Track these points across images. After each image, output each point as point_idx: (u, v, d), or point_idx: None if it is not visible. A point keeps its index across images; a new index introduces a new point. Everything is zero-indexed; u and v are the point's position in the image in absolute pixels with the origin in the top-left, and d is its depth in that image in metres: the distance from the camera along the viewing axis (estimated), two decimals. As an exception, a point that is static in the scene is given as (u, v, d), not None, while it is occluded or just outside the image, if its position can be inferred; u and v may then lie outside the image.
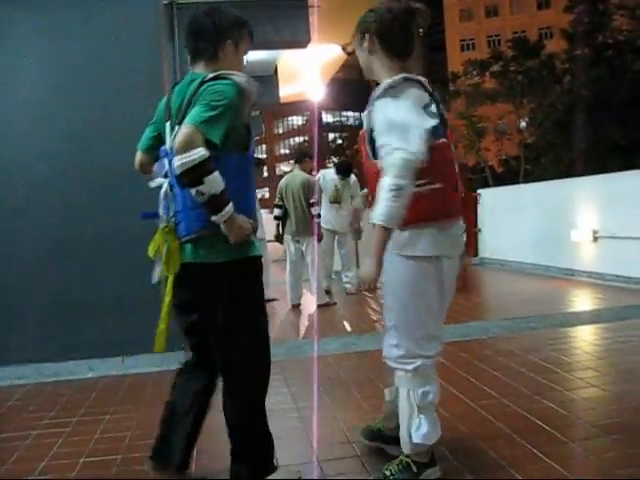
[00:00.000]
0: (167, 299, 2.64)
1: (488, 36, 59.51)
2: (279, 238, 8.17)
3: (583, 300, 7.21)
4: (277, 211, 8.09)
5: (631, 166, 11.20)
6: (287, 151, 77.69)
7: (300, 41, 10.26)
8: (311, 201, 7.65)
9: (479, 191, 12.13)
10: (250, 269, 2.68)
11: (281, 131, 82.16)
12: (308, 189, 7.70)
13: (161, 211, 2.71)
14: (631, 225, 7.79)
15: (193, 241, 2.60)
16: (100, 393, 4.52)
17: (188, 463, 2.84)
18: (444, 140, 2.66)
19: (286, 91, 20.28)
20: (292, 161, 8.22)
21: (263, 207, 11.55)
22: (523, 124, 38.87)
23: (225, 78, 2.55)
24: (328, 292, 8.02)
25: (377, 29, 2.70)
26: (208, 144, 2.38)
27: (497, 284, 9.31)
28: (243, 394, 2.71)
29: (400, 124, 2.45)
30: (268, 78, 12.90)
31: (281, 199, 7.98)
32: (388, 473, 2.77)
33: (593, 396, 3.74)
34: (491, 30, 59.96)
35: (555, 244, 9.35)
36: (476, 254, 11.77)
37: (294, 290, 8.03)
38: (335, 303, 7.95)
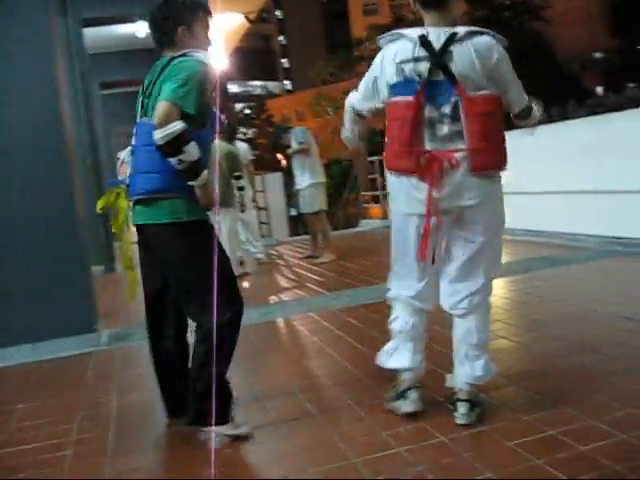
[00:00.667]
0: (126, 254, 3.15)
1: (390, 0, 59.78)
2: None
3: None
4: None
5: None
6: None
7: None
8: (236, 174, 7.52)
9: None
10: (196, 231, 2.87)
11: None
12: (232, 160, 7.57)
13: (120, 177, 3.04)
14: (536, 180, 8.04)
15: (142, 202, 2.88)
16: (10, 382, 4.38)
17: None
18: (402, 98, 2.74)
19: (189, 62, 19.90)
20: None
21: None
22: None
23: (191, 56, 2.82)
24: (242, 263, 7.99)
25: None
26: (184, 117, 2.66)
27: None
28: (211, 338, 2.81)
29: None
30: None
31: None
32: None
33: (502, 347, 3.87)
34: (394, -5, 60.32)
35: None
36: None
37: None
38: (249, 273, 7.94)
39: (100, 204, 3.08)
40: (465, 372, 2.87)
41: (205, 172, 2.77)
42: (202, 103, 2.78)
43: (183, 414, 3.01)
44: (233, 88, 70.59)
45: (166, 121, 2.62)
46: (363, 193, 13.76)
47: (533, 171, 8.05)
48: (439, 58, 2.67)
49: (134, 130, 2.95)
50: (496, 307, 4.80)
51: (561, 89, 28.02)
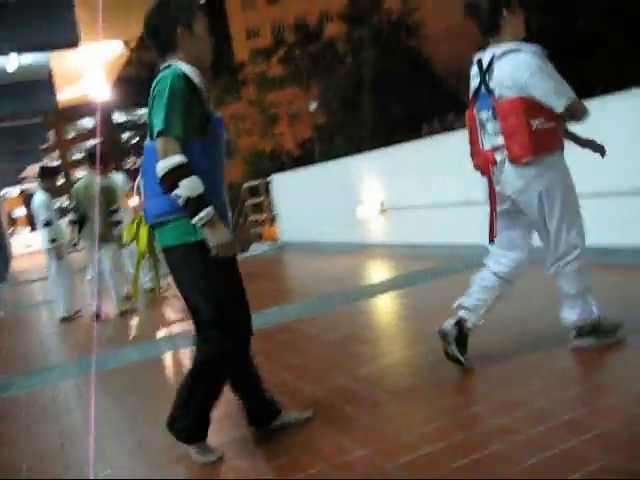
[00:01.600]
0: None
1: (272, 23, 60.32)
2: (75, 244, 7.82)
3: (376, 272, 7.54)
4: (73, 215, 7.67)
5: (412, 137, 11.85)
6: (82, 155, 74.38)
7: (68, 40, 9.75)
8: (113, 207, 7.31)
9: (270, 177, 12.34)
10: (200, 252, 2.74)
11: (73, 135, 78.44)
12: (108, 194, 7.33)
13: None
14: (411, 194, 8.23)
15: (154, 226, 2.90)
16: None
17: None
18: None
19: (67, 94, 19.35)
20: (88, 165, 7.84)
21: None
22: (314, 106, 39.98)
23: (169, 69, 2.77)
24: (128, 298, 7.76)
25: None
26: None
27: (297, 267, 9.50)
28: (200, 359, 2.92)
29: None
30: (42, 83, 12.23)
31: (78, 203, 7.56)
32: None
33: (390, 363, 3.90)
34: (274, 17, 60.82)
35: (348, 220, 9.67)
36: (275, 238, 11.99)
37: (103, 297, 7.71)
38: (135, 308, 7.74)
39: (126, 236, 3.38)
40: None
41: (206, 210, 2.64)
42: (192, 116, 2.72)
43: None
44: (119, 117, 69.26)
45: (164, 155, 2.63)
46: (251, 218, 13.74)
47: (409, 186, 8.25)
48: (482, 74, 3.39)
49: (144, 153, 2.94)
50: (381, 323, 4.87)
51: (441, 103, 29.01)
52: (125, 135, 61.90)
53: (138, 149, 56.15)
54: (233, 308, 2.90)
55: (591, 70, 24.20)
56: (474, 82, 3.47)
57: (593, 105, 3.50)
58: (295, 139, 41.86)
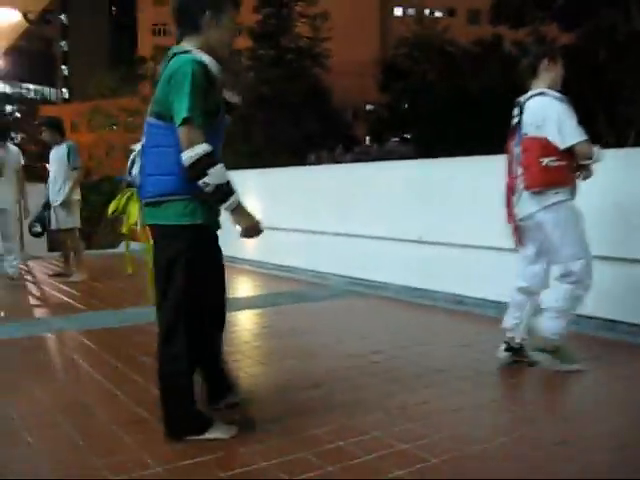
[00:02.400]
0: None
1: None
2: None
3: (245, 287, 7.59)
4: None
5: (298, 162, 12.05)
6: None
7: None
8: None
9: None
10: (194, 235, 2.85)
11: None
12: None
13: (134, 171, 2.98)
14: (287, 217, 8.38)
15: (150, 204, 2.89)
16: None
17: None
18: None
19: (-49, 54, 18.27)
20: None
21: None
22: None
23: (182, 54, 2.79)
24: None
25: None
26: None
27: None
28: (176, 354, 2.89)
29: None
30: None
31: None
32: None
33: (260, 373, 4.02)
34: (184, 19, 60.03)
35: (222, 231, 9.65)
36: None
37: None
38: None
39: (111, 207, 3.15)
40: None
41: (234, 197, 2.74)
42: (208, 105, 2.76)
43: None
44: (4, 88, 66.09)
45: (189, 144, 2.67)
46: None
47: (287, 209, 8.41)
48: (519, 113, 3.96)
49: (145, 128, 2.91)
50: (235, 340, 4.92)
51: (332, 135, 29.57)
52: (8, 108, 58.96)
53: (20, 124, 53.67)
54: (201, 291, 2.92)
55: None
56: (514, 120, 4.01)
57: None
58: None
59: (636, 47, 21.61)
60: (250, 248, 9.17)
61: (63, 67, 77.88)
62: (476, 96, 29.13)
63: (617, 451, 2.84)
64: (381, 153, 18.83)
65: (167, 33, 58.90)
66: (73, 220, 7.84)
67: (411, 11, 51.07)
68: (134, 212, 2.99)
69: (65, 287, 7.40)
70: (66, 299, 6.69)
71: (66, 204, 7.68)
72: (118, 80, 40.74)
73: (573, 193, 3.92)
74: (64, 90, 76.96)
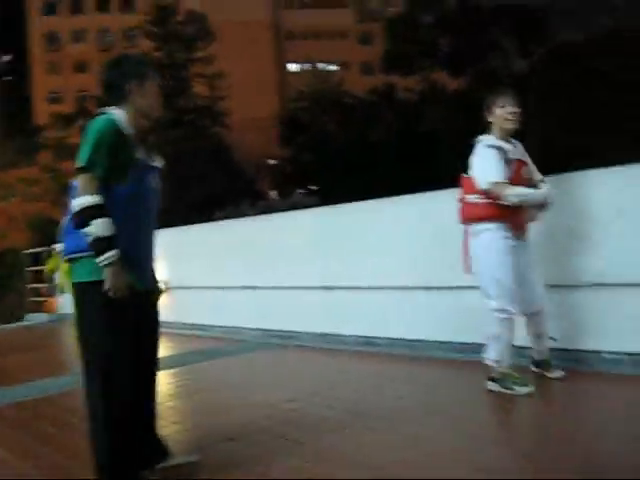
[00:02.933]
0: None
1: (77, 91, 59.00)
2: None
3: (156, 349, 7.49)
4: None
5: (205, 219, 12.02)
6: None
7: None
8: None
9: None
10: (99, 292, 2.81)
11: None
12: None
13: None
14: (196, 275, 8.37)
15: (68, 261, 2.99)
16: None
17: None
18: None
19: None
20: None
21: None
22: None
23: (103, 114, 2.91)
24: None
25: None
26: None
27: (71, 339, 9.16)
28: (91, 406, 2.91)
29: None
30: None
31: None
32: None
33: (173, 432, 3.89)
34: (80, 85, 59.57)
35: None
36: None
37: None
38: None
39: (49, 266, 3.12)
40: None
41: (111, 253, 2.75)
42: (116, 161, 2.82)
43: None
44: None
45: (81, 192, 2.75)
46: (32, 286, 13.09)
47: (194, 266, 8.40)
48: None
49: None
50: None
51: (237, 190, 29.68)
52: None
53: None
54: (124, 350, 2.91)
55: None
56: None
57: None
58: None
59: (517, 87, 22.80)
60: (160, 309, 9.04)
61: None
62: (376, 143, 29.92)
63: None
64: (286, 205, 19.04)
65: (63, 101, 58.27)
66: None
67: (306, 66, 52.30)
68: (64, 271, 3.05)
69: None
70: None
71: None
72: (15, 151, 39.80)
73: (509, 230, 4.25)
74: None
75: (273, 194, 34.48)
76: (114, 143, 2.84)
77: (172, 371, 5.90)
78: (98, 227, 2.73)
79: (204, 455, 3.49)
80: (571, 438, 3.33)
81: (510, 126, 4.35)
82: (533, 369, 4.54)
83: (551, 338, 4.54)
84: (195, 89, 39.47)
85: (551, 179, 4.54)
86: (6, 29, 65.39)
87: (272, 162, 40.32)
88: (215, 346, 7.07)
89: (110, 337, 2.87)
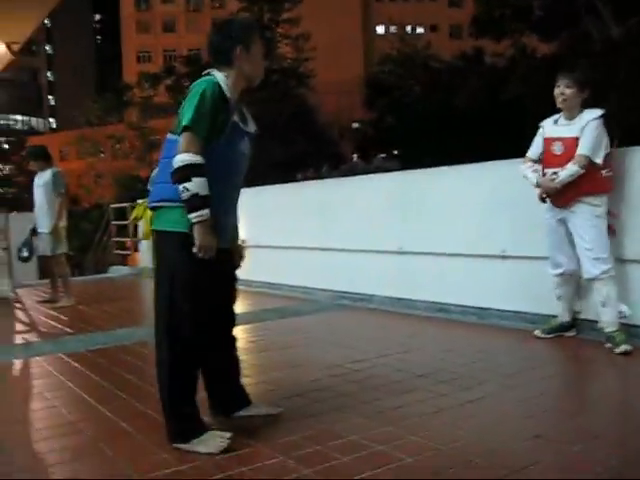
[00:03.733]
0: None
1: (165, 50, 60.01)
2: None
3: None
4: None
5: (289, 180, 12.16)
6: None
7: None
8: None
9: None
10: (185, 242, 2.88)
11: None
12: None
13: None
14: (273, 235, 8.47)
15: (153, 209, 3.07)
16: None
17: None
18: None
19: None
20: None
21: None
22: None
23: (207, 76, 3.02)
24: None
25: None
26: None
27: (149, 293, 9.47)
28: (161, 359, 3.03)
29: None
30: None
31: None
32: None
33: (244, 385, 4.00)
34: (167, 45, 60.55)
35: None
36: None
37: None
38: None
39: (133, 215, 3.41)
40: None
41: (204, 212, 2.83)
42: (214, 122, 2.91)
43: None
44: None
45: (185, 150, 2.83)
46: (116, 239, 13.54)
47: (271, 226, 8.49)
48: None
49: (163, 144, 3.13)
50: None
51: (319, 152, 29.73)
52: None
53: (9, 155, 53.71)
54: (203, 301, 2.99)
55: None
56: None
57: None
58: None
59: (611, 53, 21.91)
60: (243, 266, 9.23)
61: (50, 97, 78.13)
62: (460, 109, 29.36)
63: (590, 442, 2.91)
64: (367, 169, 18.97)
65: (151, 60, 59.39)
66: (60, 246, 7.89)
67: (393, 28, 51.51)
68: (147, 218, 3.19)
69: (53, 312, 7.46)
70: (54, 324, 6.74)
71: (52, 231, 7.73)
72: (104, 108, 40.93)
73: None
74: (51, 120, 77.17)
75: (355, 158, 34.38)
76: (215, 106, 2.92)
77: (245, 327, 6.03)
78: (198, 184, 2.81)
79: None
80: None
81: (559, 106, 4.62)
82: None
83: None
84: (281, 50, 39.47)
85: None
86: (99, -12, 66.79)
87: (355, 125, 40.14)
88: (289, 305, 7.18)
89: (183, 292, 2.95)
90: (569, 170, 4.48)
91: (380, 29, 58.03)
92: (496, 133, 25.38)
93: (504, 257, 5.61)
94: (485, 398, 3.60)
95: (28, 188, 8.72)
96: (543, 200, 4.73)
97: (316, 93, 38.38)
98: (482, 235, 5.82)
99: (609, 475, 2.59)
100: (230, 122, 3.00)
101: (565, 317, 4.90)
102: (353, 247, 7.24)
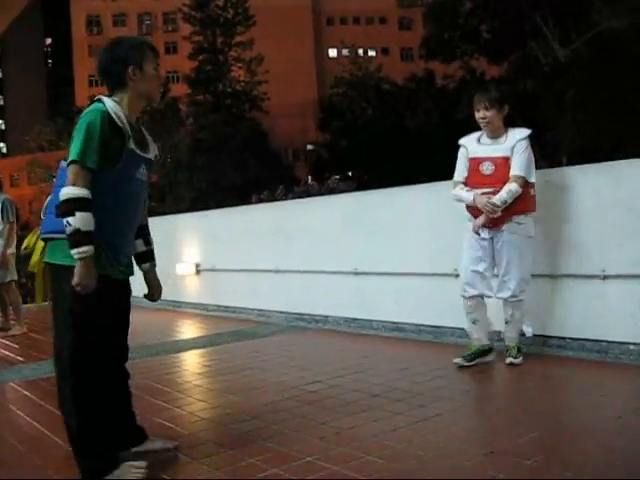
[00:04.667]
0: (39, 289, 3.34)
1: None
2: None
3: (188, 329, 7.60)
4: None
5: (244, 203, 12.14)
6: None
7: None
8: None
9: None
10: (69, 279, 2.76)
11: None
12: None
13: None
14: (227, 258, 8.45)
15: (44, 240, 3.00)
16: None
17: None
18: None
19: None
20: None
21: None
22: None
23: (94, 104, 2.88)
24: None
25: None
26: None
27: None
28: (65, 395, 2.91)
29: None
30: None
31: None
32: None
33: (174, 416, 3.97)
34: (119, 68, 60.01)
35: (163, 277, 9.63)
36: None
37: None
38: None
39: (24, 244, 3.35)
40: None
41: (86, 248, 2.71)
42: (106, 152, 2.80)
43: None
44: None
45: (72, 183, 2.72)
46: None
47: (226, 250, 8.47)
48: None
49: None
50: (175, 380, 4.93)
51: (274, 175, 29.79)
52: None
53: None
54: (101, 334, 2.90)
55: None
56: None
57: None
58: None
59: (558, 76, 22.51)
60: (193, 291, 9.18)
61: (0, 121, 76.89)
62: (413, 130, 29.78)
63: (544, 455, 2.95)
64: (322, 191, 19.02)
65: (103, 84, 58.89)
66: (9, 274, 7.74)
67: (345, 51, 52.06)
68: (37, 250, 2.96)
69: (4, 341, 7.29)
70: (5, 352, 6.59)
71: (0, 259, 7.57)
72: (56, 132, 40.46)
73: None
74: (1, 145, 75.90)
75: (309, 180, 34.52)
76: (104, 136, 2.80)
77: (200, 351, 5.99)
78: (80, 220, 2.69)
79: (225, 433, 3.56)
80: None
81: (484, 129, 4.63)
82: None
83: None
84: (234, 73, 39.62)
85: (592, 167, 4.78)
86: (50, 14, 66.22)
87: (310, 147, 40.38)
88: (245, 328, 7.13)
89: (76, 331, 2.84)
90: (511, 190, 4.40)
91: (332, 52, 58.58)
92: (449, 152, 25.76)
93: (457, 275, 5.66)
94: (440, 415, 3.63)
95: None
96: (477, 232, 4.60)
97: (270, 116, 38.58)
98: (435, 254, 5.88)
99: (562, 488, 2.62)
100: (125, 149, 2.89)
101: (484, 340, 4.73)
102: (308, 268, 7.25)
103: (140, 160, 3.01)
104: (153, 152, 3.17)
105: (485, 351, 4.71)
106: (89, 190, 2.74)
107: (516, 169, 4.47)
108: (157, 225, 10.57)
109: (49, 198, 3.04)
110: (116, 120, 2.85)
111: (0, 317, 8.30)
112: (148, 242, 3.37)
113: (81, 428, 2.86)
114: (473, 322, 4.72)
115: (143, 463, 2.93)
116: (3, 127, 76.72)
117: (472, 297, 4.67)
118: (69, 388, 2.86)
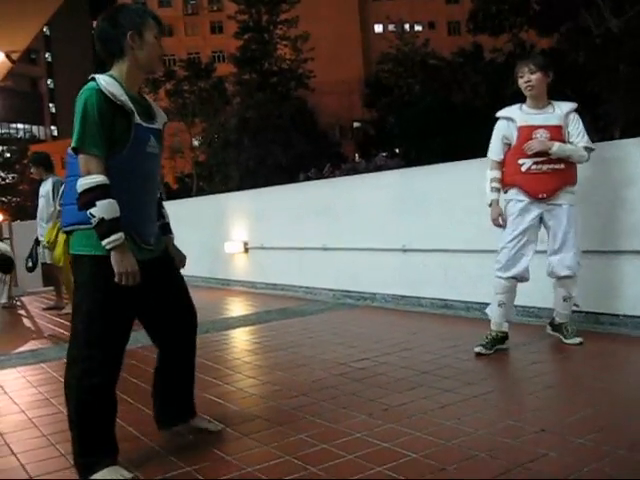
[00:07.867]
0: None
1: (164, 55, 59.94)
2: None
3: (236, 307, 7.68)
4: None
5: (292, 181, 12.17)
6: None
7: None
8: None
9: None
10: (101, 266, 2.67)
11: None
12: None
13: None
14: (275, 236, 8.49)
15: (66, 233, 2.88)
16: None
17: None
18: None
19: None
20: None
21: None
22: (196, 142, 39.95)
23: (88, 84, 2.71)
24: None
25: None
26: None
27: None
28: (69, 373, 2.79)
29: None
30: None
31: None
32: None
33: (223, 392, 4.02)
34: (167, 49, 60.25)
35: (212, 256, 9.79)
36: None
37: None
38: None
39: (46, 238, 3.23)
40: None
41: (116, 237, 2.60)
42: (112, 133, 2.67)
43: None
44: (-9, 130, 66.31)
45: (85, 172, 2.62)
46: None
47: (274, 228, 8.50)
48: None
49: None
50: (224, 357, 4.99)
51: (321, 153, 29.74)
52: (-4, 149, 59.12)
53: (11, 164, 53.78)
54: (118, 331, 2.78)
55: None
56: None
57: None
58: (174, 173, 41.59)
59: (611, 47, 21.90)
60: (241, 270, 9.26)
61: (50, 105, 78.23)
62: (460, 105, 29.36)
63: (596, 433, 2.90)
64: (369, 168, 18.96)
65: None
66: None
67: (391, 27, 51.46)
68: (61, 243, 2.93)
69: (58, 319, 7.46)
70: (59, 330, 6.75)
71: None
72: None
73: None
74: (52, 128, 77.30)
75: (356, 157, 34.40)
76: (102, 116, 2.65)
77: (249, 328, 6.05)
78: (103, 208, 2.58)
79: (274, 409, 3.59)
80: None
81: (528, 94, 4.41)
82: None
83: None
84: (280, 52, 39.54)
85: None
86: (98, -5, 66.81)
87: (356, 125, 40.17)
88: (293, 305, 7.18)
89: (97, 320, 2.73)
90: (579, 154, 4.32)
91: (378, 28, 57.97)
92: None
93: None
94: (489, 393, 3.60)
95: (32, 196, 8.70)
96: (499, 224, 4.56)
97: (316, 94, 38.45)
98: (485, 230, 5.80)
99: (615, 466, 2.58)
100: (131, 127, 2.74)
101: (503, 326, 4.57)
102: (356, 246, 7.24)
103: (147, 132, 2.85)
104: (161, 121, 3.02)
105: (503, 338, 4.53)
106: (104, 175, 2.62)
107: (585, 140, 4.36)
108: (206, 204, 10.84)
109: (62, 189, 3.00)
110: (111, 98, 2.68)
111: (54, 296, 8.52)
112: (162, 216, 3.21)
113: (82, 419, 2.75)
114: (499, 305, 4.52)
115: (130, 474, 2.76)
116: (54, 110, 78.05)
117: (509, 278, 4.48)
118: (74, 377, 2.75)
